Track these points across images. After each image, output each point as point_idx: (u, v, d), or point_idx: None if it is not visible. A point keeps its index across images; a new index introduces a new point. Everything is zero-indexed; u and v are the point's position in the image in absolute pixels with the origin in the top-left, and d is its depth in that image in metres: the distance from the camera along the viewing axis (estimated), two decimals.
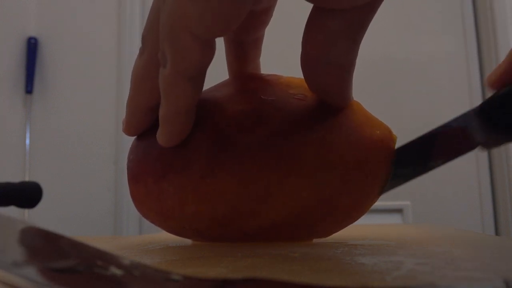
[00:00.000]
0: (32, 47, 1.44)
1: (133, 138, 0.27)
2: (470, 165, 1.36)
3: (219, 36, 0.21)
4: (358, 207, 0.25)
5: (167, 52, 0.21)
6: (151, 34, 0.23)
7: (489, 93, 0.23)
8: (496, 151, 1.33)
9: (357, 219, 0.26)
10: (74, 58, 1.46)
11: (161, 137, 0.24)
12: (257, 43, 0.29)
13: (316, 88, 0.24)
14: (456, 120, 0.24)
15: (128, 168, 0.26)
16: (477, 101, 1.37)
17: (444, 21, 1.43)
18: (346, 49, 0.22)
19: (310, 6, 0.22)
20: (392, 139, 0.25)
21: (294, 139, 0.23)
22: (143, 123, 0.26)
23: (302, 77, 0.25)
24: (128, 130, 0.26)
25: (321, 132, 0.23)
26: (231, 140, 0.23)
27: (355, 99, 0.26)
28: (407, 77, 1.41)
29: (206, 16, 0.19)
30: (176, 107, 0.22)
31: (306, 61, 0.23)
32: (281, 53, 1.16)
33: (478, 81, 1.39)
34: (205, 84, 0.25)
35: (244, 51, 0.28)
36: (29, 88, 1.42)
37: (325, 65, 0.22)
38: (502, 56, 1.32)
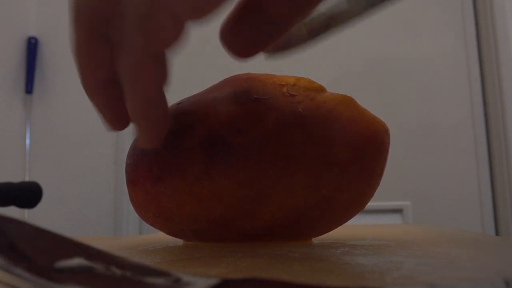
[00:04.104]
0: (32, 47, 1.44)
1: (132, 138, 0.27)
2: (470, 165, 1.36)
3: (201, 18, 0.19)
4: (356, 203, 0.25)
5: (134, 33, 0.19)
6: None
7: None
8: (496, 151, 1.33)
9: (355, 214, 0.26)
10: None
11: (140, 138, 0.22)
12: None
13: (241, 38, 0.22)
14: None
15: (126, 173, 0.27)
16: (478, 100, 1.37)
17: (444, 21, 1.43)
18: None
19: None
20: (386, 133, 0.26)
21: (288, 139, 0.23)
22: (114, 108, 0.23)
23: (295, 76, 0.25)
24: (111, 123, 0.24)
25: (316, 130, 0.23)
26: (226, 141, 0.23)
27: (352, 96, 0.26)
28: (407, 77, 1.41)
29: None
30: (143, 96, 0.21)
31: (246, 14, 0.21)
32: None
33: (478, 81, 1.39)
34: (199, 86, 0.24)
35: None
36: (29, 88, 1.42)
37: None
38: (502, 56, 1.32)
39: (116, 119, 0.24)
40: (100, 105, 0.23)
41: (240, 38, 0.22)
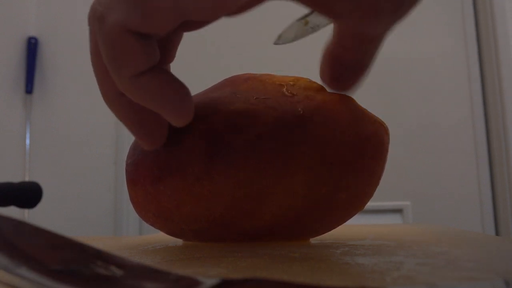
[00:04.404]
0: (32, 47, 1.44)
1: (132, 138, 0.27)
2: (470, 165, 1.36)
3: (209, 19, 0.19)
4: (356, 203, 0.25)
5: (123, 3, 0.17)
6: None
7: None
8: (496, 151, 1.33)
9: (355, 214, 0.26)
10: (74, 58, 1.46)
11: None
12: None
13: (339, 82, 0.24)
14: None
15: (126, 172, 0.27)
16: (478, 100, 1.37)
17: (444, 21, 1.43)
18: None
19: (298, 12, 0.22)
20: (386, 133, 0.26)
21: (288, 139, 0.23)
22: (140, 121, 0.22)
23: (295, 76, 0.25)
24: (141, 139, 0.23)
25: (316, 130, 0.23)
26: (226, 141, 0.23)
27: (352, 96, 0.26)
28: (407, 77, 1.41)
29: None
30: (127, 70, 0.18)
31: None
32: (274, 53, 1.16)
33: (478, 81, 1.39)
34: (199, 86, 0.24)
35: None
36: (29, 88, 1.42)
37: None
38: (502, 56, 1.32)
39: (146, 133, 0.23)
40: (125, 119, 0.23)
41: (337, 81, 0.24)
